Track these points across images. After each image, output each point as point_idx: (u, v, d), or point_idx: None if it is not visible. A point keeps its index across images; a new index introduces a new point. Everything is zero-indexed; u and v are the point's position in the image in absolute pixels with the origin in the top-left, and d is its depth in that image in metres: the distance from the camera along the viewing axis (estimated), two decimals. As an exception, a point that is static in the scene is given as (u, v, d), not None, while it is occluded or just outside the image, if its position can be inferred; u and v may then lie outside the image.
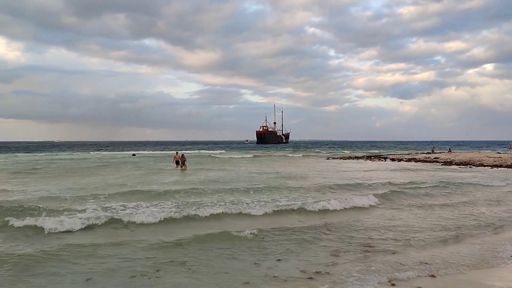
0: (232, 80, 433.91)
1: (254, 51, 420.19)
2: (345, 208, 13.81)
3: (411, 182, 21.27)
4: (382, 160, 46.46)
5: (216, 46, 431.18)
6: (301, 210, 13.13)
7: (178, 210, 12.43)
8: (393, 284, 6.64)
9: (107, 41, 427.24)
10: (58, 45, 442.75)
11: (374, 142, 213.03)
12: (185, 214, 11.88)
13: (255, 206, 13.31)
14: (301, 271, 7.23)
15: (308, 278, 6.86)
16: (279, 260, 7.88)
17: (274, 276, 6.93)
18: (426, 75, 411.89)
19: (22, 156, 58.94)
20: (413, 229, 10.62)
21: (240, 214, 12.36)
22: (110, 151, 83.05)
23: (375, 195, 15.83)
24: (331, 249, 8.66)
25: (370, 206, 14.42)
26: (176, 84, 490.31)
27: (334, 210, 13.46)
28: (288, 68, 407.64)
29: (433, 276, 7.08)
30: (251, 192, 17.20)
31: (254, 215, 12.33)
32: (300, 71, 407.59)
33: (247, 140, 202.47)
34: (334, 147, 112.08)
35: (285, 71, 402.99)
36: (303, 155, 63.05)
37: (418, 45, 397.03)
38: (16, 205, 12.93)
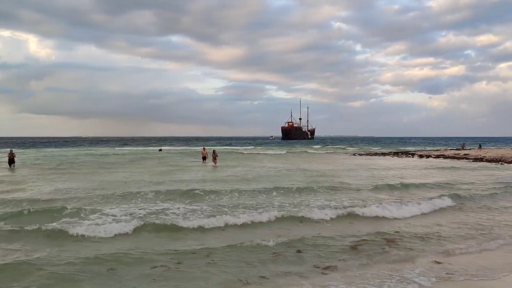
0: (257, 75, 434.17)
1: (279, 46, 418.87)
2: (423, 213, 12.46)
3: (470, 183, 19.61)
4: (410, 157, 45.55)
5: (241, 41, 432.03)
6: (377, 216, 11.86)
7: (237, 213, 11.47)
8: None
9: (134, 38, 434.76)
10: (87, 42, 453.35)
11: (401, 138, 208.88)
12: (251, 219, 10.94)
13: (314, 209, 12.02)
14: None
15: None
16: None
17: None
18: (456, 69, 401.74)
19: (52, 152, 60.50)
20: None
21: (302, 218, 11.27)
22: (137, 147, 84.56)
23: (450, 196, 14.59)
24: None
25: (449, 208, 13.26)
26: (201, 80, 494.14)
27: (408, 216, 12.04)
28: (313, 64, 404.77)
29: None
30: (298, 192, 16.03)
31: (316, 219, 11.23)
32: (325, 66, 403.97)
33: (272, 136, 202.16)
34: (360, 143, 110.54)
35: (310, 66, 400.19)
36: (330, 152, 62.39)
37: (447, 39, 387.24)
38: (58, 206, 12.39)
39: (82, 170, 27.53)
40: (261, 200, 14.21)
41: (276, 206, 12.87)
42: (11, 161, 29.38)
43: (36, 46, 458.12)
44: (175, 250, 8.11)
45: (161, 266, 7.19)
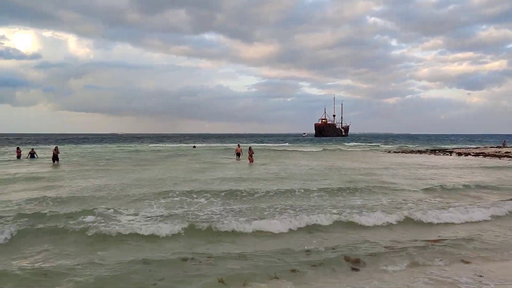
0: (290, 72, 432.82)
1: (312, 42, 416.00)
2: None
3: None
4: (448, 155, 44.07)
5: (274, 38, 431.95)
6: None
7: (294, 215, 10.58)
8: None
9: (168, 36, 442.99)
10: (124, 41, 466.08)
11: (438, 135, 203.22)
12: (309, 222, 10.06)
13: (364, 212, 10.90)
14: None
15: None
16: None
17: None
18: (497, 64, 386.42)
19: (90, 148, 62.34)
20: None
21: (351, 224, 10.23)
22: (171, 143, 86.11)
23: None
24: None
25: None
26: (234, 77, 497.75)
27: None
28: (348, 59, 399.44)
29: None
30: (341, 192, 15.18)
31: (366, 225, 10.13)
32: (360, 62, 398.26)
33: (304, 133, 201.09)
34: (396, 141, 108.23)
35: (345, 62, 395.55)
36: (364, 149, 61.31)
37: (488, 32, 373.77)
38: (98, 205, 12.64)
39: (119, 166, 28.09)
40: (311, 202, 13.36)
41: (327, 207, 11.97)
42: (55, 157, 30.47)
43: (75, 46, 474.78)
44: (223, 256, 7.52)
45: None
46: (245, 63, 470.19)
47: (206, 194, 14.34)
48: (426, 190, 16.22)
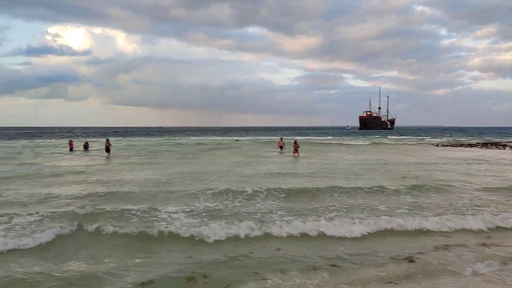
0: (333, 64, 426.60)
1: (357, 33, 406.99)
2: None
3: None
4: (501, 148, 41.73)
5: (317, 30, 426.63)
6: None
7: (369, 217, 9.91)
8: None
9: (212, 30, 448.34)
10: (169, 36, 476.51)
11: (491, 128, 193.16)
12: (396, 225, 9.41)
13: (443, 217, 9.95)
14: None
15: None
16: None
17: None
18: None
19: (138, 141, 64.17)
20: None
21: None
22: (214, 136, 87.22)
23: None
24: None
25: None
26: (276, 70, 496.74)
27: None
28: (394, 50, 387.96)
29: None
30: (400, 191, 13.92)
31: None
32: (406, 53, 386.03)
33: (348, 126, 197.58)
34: (444, 134, 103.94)
35: (390, 53, 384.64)
36: (412, 143, 59.12)
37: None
38: (151, 203, 12.53)
39: (164, 159, 28.65)
40: (365, 201, 12.49)
41: (393, 207, 11.22)
42: (107, 149, 31.64)
43: (123, 42, 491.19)
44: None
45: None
46: (287, 56, 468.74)
47: (254, 190, 13.66)
48: (489, 189, 14.71)
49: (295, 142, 31.14)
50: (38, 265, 6.94)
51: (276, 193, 13.39)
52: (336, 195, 13.36)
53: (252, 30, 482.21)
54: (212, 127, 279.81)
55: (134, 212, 10.58)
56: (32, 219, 9.63)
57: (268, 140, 61.51)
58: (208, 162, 25.73)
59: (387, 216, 10.03)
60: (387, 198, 13.00)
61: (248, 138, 77.42)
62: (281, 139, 35.43)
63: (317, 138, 75.75)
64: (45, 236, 8.30)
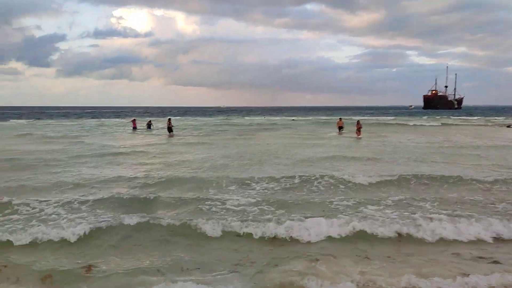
0: (396, 41, 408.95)
1: (422, 8, 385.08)
2: None
3: None
4: None
5: (379, 5, 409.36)
6: None
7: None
8: None
9: (270, 9, 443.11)
10: (228, 16, 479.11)
11: None
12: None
13: None
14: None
15: None
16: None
17: None
18: None
19: (196, 120, 65.32)
20: None
21: None
22: (272, 116, 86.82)
23: None
24: None
25: None
26: (336, 48, 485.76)
27: None
28: (463, 25, 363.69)
29: None
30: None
31: None
32: (476, 28, 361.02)
33: (411, 106, 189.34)
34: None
35: (459, 28, 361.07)
36: (482, 124, 54.72)
37: None
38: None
39: (222, 139, 28.63)
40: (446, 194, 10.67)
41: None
42: (170, 128, 32.24)
43: (183, 23, 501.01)
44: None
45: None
46: (347, 33, 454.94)
47: (331, 176, 12.34)
48: None
49: (358, 122, 29.72)
50: (81, 257, 6.64)
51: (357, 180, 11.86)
52: (434, 184, 11.67)
53: (311, 7, 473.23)
54: (268, 106, 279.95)
55: (191, 199, 10.01)
56: (84, 207, 9.26)
57: (325, 120, 59.96)
58: (265, 143, 25.21)
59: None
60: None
61: (305, 118, 76.19)
62: (340, 119, 34.28)
63: (378, 118, 72.75)
64: (93, 225, 7.78)
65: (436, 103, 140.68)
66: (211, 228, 7.60)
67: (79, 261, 6.36)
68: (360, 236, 7.40)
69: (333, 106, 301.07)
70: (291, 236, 7.33)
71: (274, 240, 7.29)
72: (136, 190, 11.12)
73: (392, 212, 8.69)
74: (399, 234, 7.44)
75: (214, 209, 9.12)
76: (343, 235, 7.42)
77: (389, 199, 9.90)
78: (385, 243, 7.20)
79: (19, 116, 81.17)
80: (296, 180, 12.15)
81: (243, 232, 7.51)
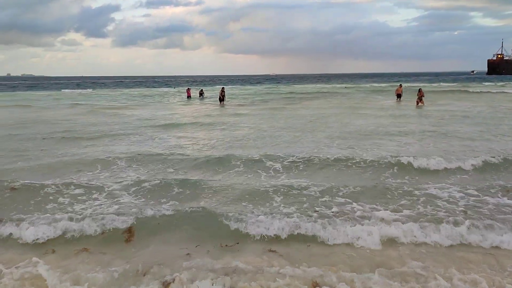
0: (458, 1, 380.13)
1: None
2: None
3: None
4: None
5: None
6: None
7: None
8: None
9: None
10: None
11: None
12: None
13: None
14: None
15: None
16: None
17: None
18: None
19: (246, 89, 64.92)
20: None
21: None
22: (323, 84, 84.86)
23: None
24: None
25: None
26: (392, 11, 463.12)
27: None
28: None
29: None
30: None
31: None
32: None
33: (473, 71, 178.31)
34: None
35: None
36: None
37: None
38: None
39: (273, 107, 28.17)
40: None
41: None
42: (222, 98, 32.24)
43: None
44: None
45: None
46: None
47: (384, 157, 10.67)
48: None
49: (420, 91, 27.92)
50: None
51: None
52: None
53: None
54: (320, 74, 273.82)
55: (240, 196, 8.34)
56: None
57: (380, 88, 57.48)
58: (314, 112, 24.29)
59: None
60: None
61: (358, 85, 73.65)
62: (400, 85, 32.51)
63: (437, 84, 68.76)
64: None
65: (502, 68, 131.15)
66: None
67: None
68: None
69: (388, 72, 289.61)
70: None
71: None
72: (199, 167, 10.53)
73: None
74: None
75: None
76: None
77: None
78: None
79: (82, 86, 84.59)
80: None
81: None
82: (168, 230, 6.38)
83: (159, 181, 8.78)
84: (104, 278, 4.86)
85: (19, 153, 12.18)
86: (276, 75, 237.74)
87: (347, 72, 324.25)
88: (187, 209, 7.04)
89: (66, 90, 64.57)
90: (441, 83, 74.15)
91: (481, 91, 42.78)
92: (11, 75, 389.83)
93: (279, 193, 7.90)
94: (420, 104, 27.03)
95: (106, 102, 37.05)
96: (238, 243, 5.86)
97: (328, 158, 10.75)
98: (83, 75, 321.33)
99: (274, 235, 6.06)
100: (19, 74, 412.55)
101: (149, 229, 6.34)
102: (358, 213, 6.83)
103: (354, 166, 10.11)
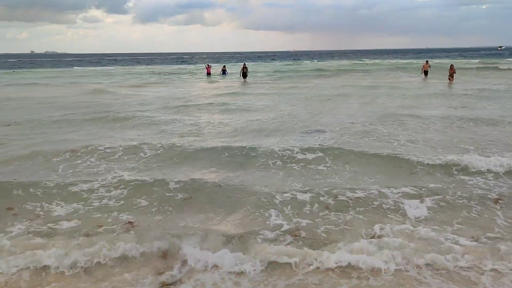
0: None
1: None
2: None
3: None
4: None
5: None
6: None
7: None
8: None
9: None
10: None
11: None
12: None
13: None
14: None
15: None
16: None
17: None
18: None
19: (267, 65, 63.84)
20: None
21: None
22: (344, 60, 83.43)
23: None
24: None
25: None
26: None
27: None
28: None
29: None
30: None
31: None
32: None
33: (501, 47, 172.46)
34: None
35: None
36: None
37: None
38: None
39: (293, 84, 27.72)
40: None
41: None
42: (244, 74, 31.81)
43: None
44: None
45: None
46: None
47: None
48: None
49: (452, 67, 26.91)
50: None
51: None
52: None
53: None
54: (342, 50, 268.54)
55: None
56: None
57: (403, 65, 55.55)
58: (335, 90, 23.68)
59: None
60: None
61: (382, 61, 71.94)
62: (427, 62, 31.57)
63: (464, 61, 66.53)
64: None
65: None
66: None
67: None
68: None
69: (412, 48, 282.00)
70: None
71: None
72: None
73: None
74: None
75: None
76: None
77: None
78: None
79: (102, 64, 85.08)
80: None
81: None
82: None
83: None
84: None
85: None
86: (295, 51, 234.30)
87: (371, 48, 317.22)
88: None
89: (78, 68, 64.12)
90: (471, 60, 71.60)
91: (509, 68, 41.04)
92: (35, 52, 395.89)
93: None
94: (451, 81, 26.12)
95: (133, 79, 37.18)
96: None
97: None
98: (104, 52, 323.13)
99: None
100: (43, 51, 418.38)
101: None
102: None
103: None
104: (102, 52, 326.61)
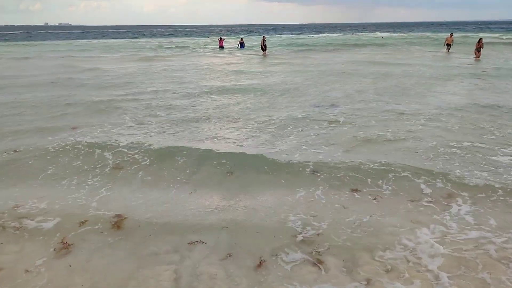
0: None
1: None
2: None
3: None
4: None
5: None
6: None
7: None
8: None
9: None
10: None
11: None
12: None
13: None
14: None
15: None
16: None
17: None
18: None
19: (282, 39, 62.42)
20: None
21: None
22: (359, 33, 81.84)
23: None
24: None
25: None
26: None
27: None
28: None
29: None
30: None
31: None
32: None
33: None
34: None
35: None
36: None
37: None
38: None
39: (311, 56, 27.14)
40: None
41: None
42: (264, 48, 31.37)
43: None
44: None
45: None
46: None
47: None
48: None
49: (480, 41, 24.88)
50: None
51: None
52: None
53: None
54: (359, 23, 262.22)
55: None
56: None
57: (426, 37, 53.72)
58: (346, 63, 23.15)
59: None
60: None
61: (399, 34, 69.92)
62: (451, 35, 30.55)
63: (486, 35, 64.22)
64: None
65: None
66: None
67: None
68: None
69: (429, 21, 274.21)
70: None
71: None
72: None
73: None
74: None
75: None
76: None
77: None
78: None
79: (112, 36, 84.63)
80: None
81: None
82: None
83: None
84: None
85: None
86: (308, 24, 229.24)
87: (388, 21, 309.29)
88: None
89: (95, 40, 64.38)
90: (490, 34, 69.12)
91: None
92: (49, 24, 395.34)
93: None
94: (477, 56, 24.74)
95: (150, 52, 36.96)
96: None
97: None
98: (117, 24, 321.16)
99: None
100: (57, 23, 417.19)
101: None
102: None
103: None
104: (115, 24, 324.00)
